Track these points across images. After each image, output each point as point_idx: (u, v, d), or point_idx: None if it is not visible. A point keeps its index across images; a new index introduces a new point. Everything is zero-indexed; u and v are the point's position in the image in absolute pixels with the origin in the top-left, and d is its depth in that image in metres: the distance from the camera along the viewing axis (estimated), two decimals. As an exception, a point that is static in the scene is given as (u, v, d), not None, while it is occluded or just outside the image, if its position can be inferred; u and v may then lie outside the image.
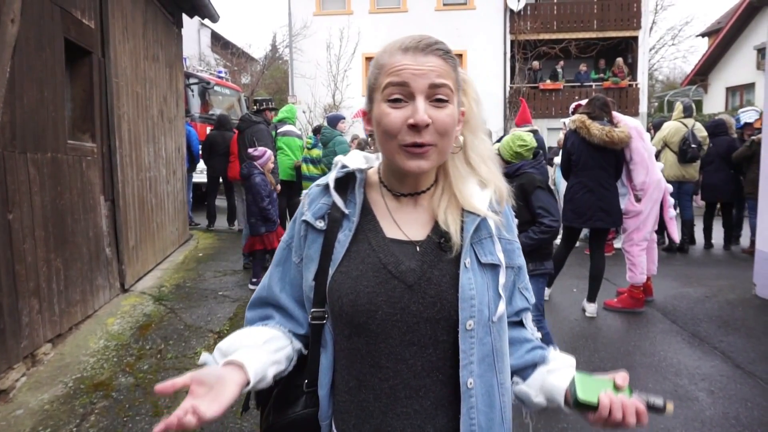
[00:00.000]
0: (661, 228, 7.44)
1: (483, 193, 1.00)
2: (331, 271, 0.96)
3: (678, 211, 7.16)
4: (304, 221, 1.01)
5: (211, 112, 11.01)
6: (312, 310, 0.98)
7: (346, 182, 1.02)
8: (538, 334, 1.10)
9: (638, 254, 4.54)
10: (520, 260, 1.05)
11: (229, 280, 5.47)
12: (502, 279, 0.97)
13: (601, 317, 4.50)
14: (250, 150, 6.22)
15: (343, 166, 1.02)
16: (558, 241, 6.38)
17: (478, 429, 0.93)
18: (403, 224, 0.99)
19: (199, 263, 6.14)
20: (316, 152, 7.27)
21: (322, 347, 0.99)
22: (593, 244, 4.59)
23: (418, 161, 0.90)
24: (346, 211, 0.98)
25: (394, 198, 1.01)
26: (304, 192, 1.06)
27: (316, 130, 8.20)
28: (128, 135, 4.92)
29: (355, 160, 1.04)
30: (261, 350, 0.96)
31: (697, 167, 6.90)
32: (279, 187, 5.94)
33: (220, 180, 8.48)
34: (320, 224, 0.99)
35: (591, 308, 4.52)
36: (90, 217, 4.06)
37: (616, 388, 0.91)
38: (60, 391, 3.06)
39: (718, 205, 7.39)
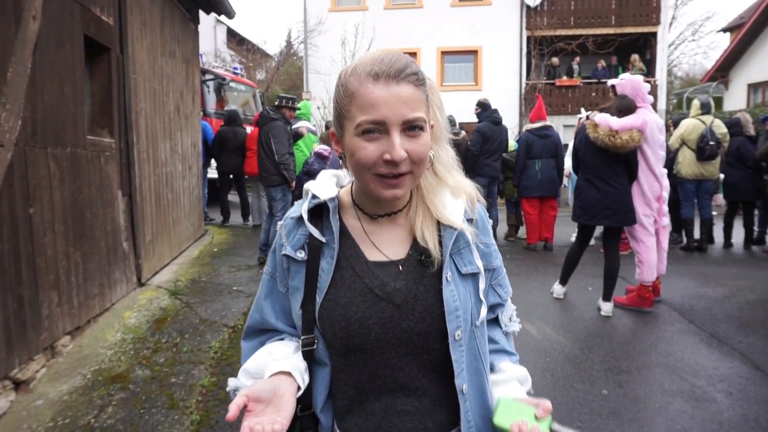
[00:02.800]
0: (677, 227, 7.35)
1: (457, 203, 1.01)
2: (318, 299, 0.97)
3: (698, 209, 7.07)
4: (285, 255, 1.01)
5: (226, 108, 11.09)
6: (302, 337, 0.99)
7: (320, 209, 1.02)
8: (515, 327, 1.14)
9: (645, 251, 4.49)
10: (497, 261, 1.08)
11: (243, 276, 5.51)
12: (482, 285, 1.01)
13: (617, 316, 4.45)
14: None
15: (314, 197, 1.01)
16: (573, 238, 6.34)
17: (476, 429, 0.99)
18: (383, 245, 1.00)
19: (213, 258, 6.19)
20: None
21: (319, 366, 1.01)
22: (607, 243, 4.54)
23: (393, 190, 0.90)
24: (324, 240, 0.99)
25: (370, 220, 1.01)
26: (279, 223, 1.07)
27: (327, 127, 8.22)
28: (145, 131, 4.97)
29: (324, 187, 1.03)
30: (295, 358, 0.98)
31: (717, 165, 6.77)
32: (294, 184, 5.99)
33: (231, 176, 8.53)
34: (301, 255, 0.99)
35: (606, 307, 4.48)
36: (108, 212, 4.12)
37: (536, 417, 0.94)
38: (78, 383, 3.11)
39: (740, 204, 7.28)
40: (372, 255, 0.99)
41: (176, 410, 2.88)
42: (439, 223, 1.00)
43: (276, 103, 6.23)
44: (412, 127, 0.88)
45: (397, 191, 0.91)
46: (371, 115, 0.86)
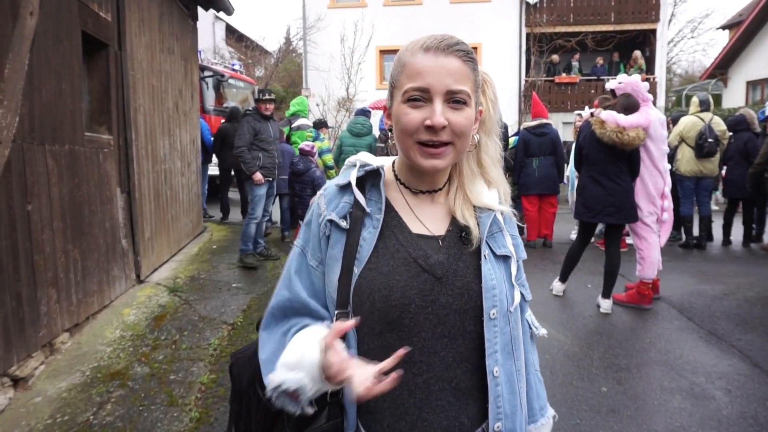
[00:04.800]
0: (676, 224, 7.35)
1: (490, 192, 1.06)
2: (356, 270, 0.95)
3: (697, 206, 7.06)
4: (330, 221, 0.99)
5: (225, 105, 11.06)
6: (336, 312, 0.97)
7: (363, 181, 1.03)
8: (544, 331, 1.18)
9: (647, 248, 4.50)
10: (523, 254, 1.11)
11: (242, 273, 5.50)
12: (514, 270, 1.04)
13: (616, 313, 4.45)
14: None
15: (364, 164, 1.03)
16: (573, 235, 6.34)
17: (504, 416, 0.99)
18: (425, 219, 1.02)
19: (213, 255, 6.18)
20: (318, 144, 7.30)
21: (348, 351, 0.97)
22: (608, 240, 4.54)
23: (433, 161, 0.93)
24: (368, 209, 0.99)
25: (412, 195, 1.03)
26: (318, 192, 1.06)
27: (317, 125, 8.19)
28: (144, 127, 4.96)
29: (374, 158, 1.05)
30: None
31: (716, 162, 6.77)
32: (260, 177, 5.73)
33: (232, 172, 8.49)
34: (344, 223, 0.99)
35: (606, 304, 4.48)
36: (107, 209, 4.11)
37: None
38: (77, 380, 3.11)
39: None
40: (415, 227, 1.00)
41: (175, 407, 2.88)
42: (475, 207, 1.03)
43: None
44: (456, 100, 0.91)
45: (437, 162, 0.93)
46: (416, 82, 0.90)
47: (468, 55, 0.93)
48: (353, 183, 1.00)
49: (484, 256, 0.99)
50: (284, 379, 0.88)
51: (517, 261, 1.08)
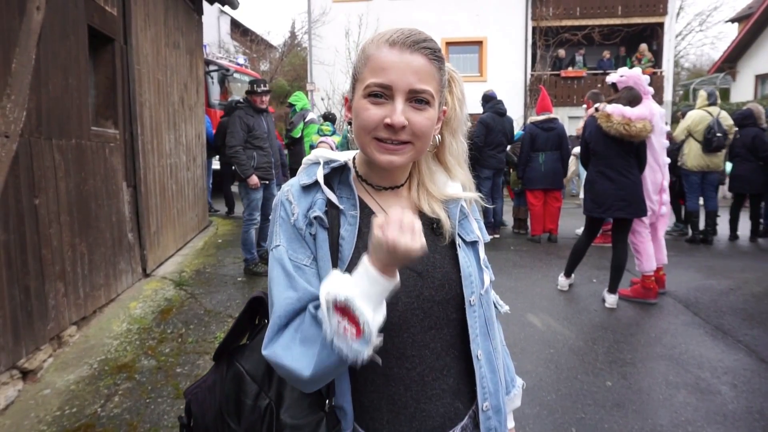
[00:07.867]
0: (683, 218, 7.32)
1: (453, 183, 1.05)
2: (341, 271, 0.91)
3: (702, 201, 7.03)
4: (317, 217, 0.93)
5: (230, 99, 11.06)
6: None
7: (328, 178, 0.98)
8: (506, 308, 1.22)
9: (641, 241, 4.49)
10: (486, 236, 1.12)
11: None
12: (482, 253, 1.06)
13: (621, 308, 4.44)
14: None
15: (328, 161, 0.99)
16: (579, 230, 6.33)
17: (489, 395, 1.03)
18: None
19: (218, 249, 6.21)
20: (338, 139, 7.30)
21: None
22: (616, 235, 4.52)
23: (390, 156, 0.91)
24: (341, 207, 0.96)
25: (375, 191, 1.02)
26: (284, 189, 0.99)
27: (328, 117, 8.15)
28: (150, 122, 4.97)
29: (338, 154, 1.02)
30: None
31: (722, 157, 6.72)
32: (255, 179, 5.24)
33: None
34: (326, 222, 0.94)
35: (611, 299, 4.47)
36: (113, 203, 4.13)
37: None
38: (85, 372, 3.14)
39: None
40: None
41: (182, 400, 2.91)
42: (440, 201, 1.03)
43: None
44: (418, 100, 0.89)
45: (394, 158, 0.91)
46: (379, 78, 0.88)
47: (435, 53, 0.91)
48: (321, 181, 0.96)
49: (459, 245, 1.01)
50: (336, 289, 0.79)
51: (484, 242, 1.10)
